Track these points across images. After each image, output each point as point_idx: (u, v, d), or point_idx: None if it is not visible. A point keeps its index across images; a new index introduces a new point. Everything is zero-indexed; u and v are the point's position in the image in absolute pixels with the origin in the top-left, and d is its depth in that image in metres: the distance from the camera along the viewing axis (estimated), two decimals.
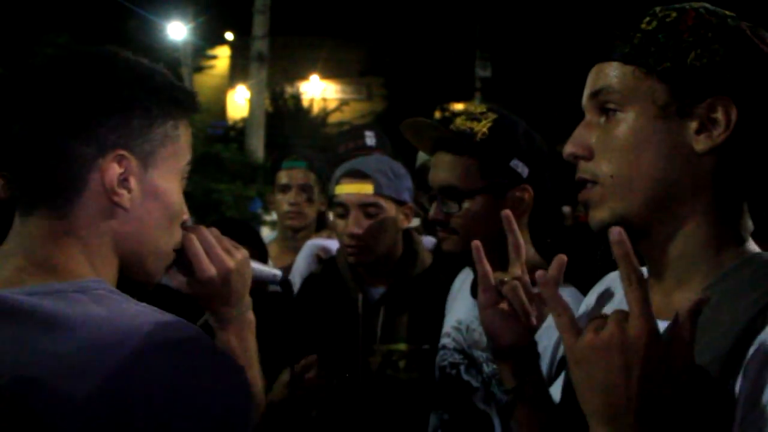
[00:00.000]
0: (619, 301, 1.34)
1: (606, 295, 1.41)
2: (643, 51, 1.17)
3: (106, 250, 1.18)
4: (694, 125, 1.14)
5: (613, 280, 1.43)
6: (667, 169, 1.15)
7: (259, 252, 2.51)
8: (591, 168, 1.22)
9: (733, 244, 1.16)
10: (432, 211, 1.97)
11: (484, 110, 1.99)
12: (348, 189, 2.46)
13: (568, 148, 1.24)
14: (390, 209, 2.45)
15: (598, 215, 1.21)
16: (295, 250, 3.48)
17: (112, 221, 1.17)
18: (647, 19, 1.19)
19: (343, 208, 2.46)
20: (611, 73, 1.20)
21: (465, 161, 1.93)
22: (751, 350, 1.01)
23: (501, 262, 1.88)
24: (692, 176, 1.15)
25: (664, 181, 1.15)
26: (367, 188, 2.43)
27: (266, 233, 4.02)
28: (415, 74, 22.54)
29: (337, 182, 2.50)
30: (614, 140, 1.18)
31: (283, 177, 3.61)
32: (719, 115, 1.12)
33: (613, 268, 1.48)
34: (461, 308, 2.07)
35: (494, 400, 1.89)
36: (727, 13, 1.17)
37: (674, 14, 1.17)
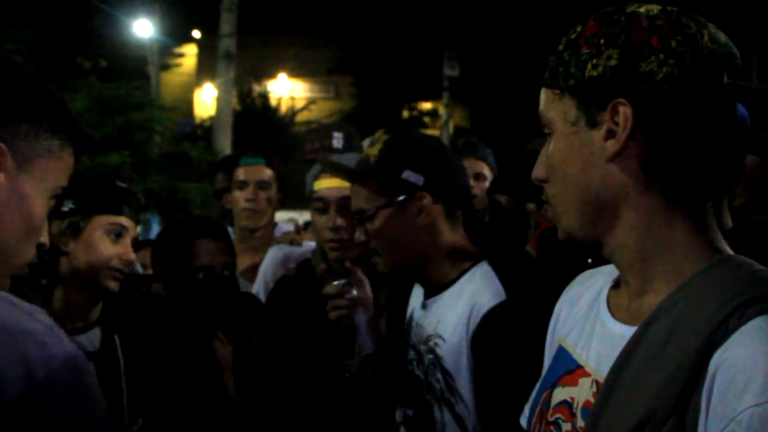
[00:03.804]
0: (592, 297, 1.35)
1: (582, 288, 1.41)
2: (555, 73, 1.20)
3: None
4: (601, 134, 1.15)
5: (587, 277, 1.44)
6: (588, 182, 1.17)
7: (228, 246, 2.48)
8: (546, 190, 1.27)
9: (695, 247, 1.16)
10: (356, 237, 2.10)
11: (381, 135, 2.10)
12: (328, 184, 2.46)
13: (533, 173, 1.29)
14: None
15: (558, 233, 1.27)
16: (253, 250, 3.41)
17: None
18: (563, 39, 1.21)
19: (323, 203, 2.46)
20: (541, 100, 1.25)
21: (366, 185, 2.05)
22: (713, 361, 1.02)
23: (425, 274, 2.05)
24: (612, 184, 1.16)
25: (589, 194, 1.18)
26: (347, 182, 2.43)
27: (232, 231, 3.97)
28: (383, 73, 22.56)
29: (316, 178, 2.50)
30: (549, 162, 1.24)
31: (240, 173, 3.48)
32: (620, 117, 1.13)
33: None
34: (414, 311, 2.15)
35: (431, 389, 1.97)
36: (629, 8, 1.17)
37: (579, 28, 1.19)
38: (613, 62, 1.13)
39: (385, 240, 2.02)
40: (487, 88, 19.45)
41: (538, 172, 1.27)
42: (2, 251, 1.20)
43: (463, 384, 1.90)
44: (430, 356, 1.98)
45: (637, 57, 1.12)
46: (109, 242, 2.22)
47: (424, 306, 2.08)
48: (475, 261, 2.03)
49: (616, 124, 1.13)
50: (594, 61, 1.14)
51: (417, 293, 2.21)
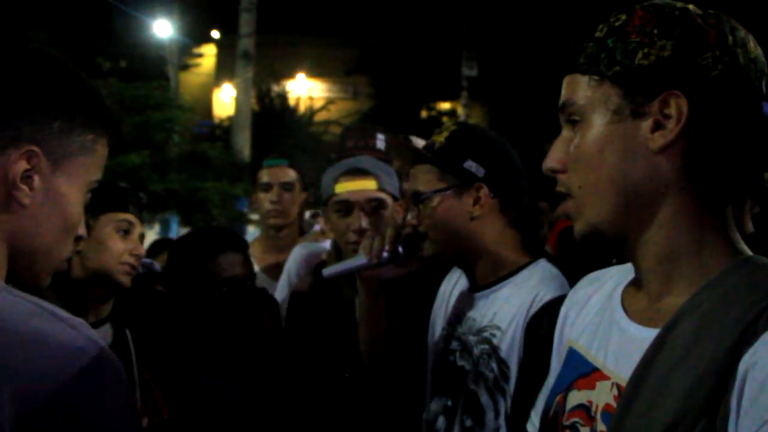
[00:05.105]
0: (603, 298, 1.34)
1: (590, 290, 1.40)
2: (595, 59, 1.17)
3: None
4: (648, 124, 1.13)
5: (594, 279, 1.43)
6: (628, 173, 1.15)
7: (243, 254, 2.49)
8: (564, 181, 1.23)
9: (719, 248, 1.15)
10: (408, 218, 2.13)
11: (450, 124, 2.16)
12: (351, 186, 2.46)
13: (546, 163, 1.25)
14: (390, 205, 2.48)
15: (577, 227, 1.23)
16: (278, 249, 3.46)
17: (7, 213, 1.16)
18: (601, 26, 1.19)
19: (345, 205, 2.45)
20: (572, 86, 1.21)
21: (427, 169, 2.08)
22: (742, 363, 1.00)
23: (472, 266, 2.06)
24: (654, 177, 1.14)
25: (627, 186, 1.15)
26: (370, 184, 2.45)
27: (252, 231, 3.99)
28: (402, 73, 22.55)
29: (336, 181, 2.49)
30: (579, 151, 1.20)
31: (264, 175, 3.56)
32: (672, 110, 1.11)
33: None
34: (459, 302, 2.14)
35: (482, 378, 1.96)
36: (678, 4, 1.16)
37: (623, 17, 1.17)
38: (666, 53, 1.11)
39: (436, 224, 2.04)
40: (505, 88, 19.40)
41: (554, 162, 1.24)
42: (44, 252, 1.21)
43: (515, 373, 1.91)
44: (484, 347, 1.98)
45: (693, 51, 1.11)
46: (119, 239, 2.28)
47: (471, 299, 2.08)
48: (531, 259, 2.05)
49: (665, 116, 1.12)
50: (645, 50, 1.12)
51: (452, 284, 2.22)
